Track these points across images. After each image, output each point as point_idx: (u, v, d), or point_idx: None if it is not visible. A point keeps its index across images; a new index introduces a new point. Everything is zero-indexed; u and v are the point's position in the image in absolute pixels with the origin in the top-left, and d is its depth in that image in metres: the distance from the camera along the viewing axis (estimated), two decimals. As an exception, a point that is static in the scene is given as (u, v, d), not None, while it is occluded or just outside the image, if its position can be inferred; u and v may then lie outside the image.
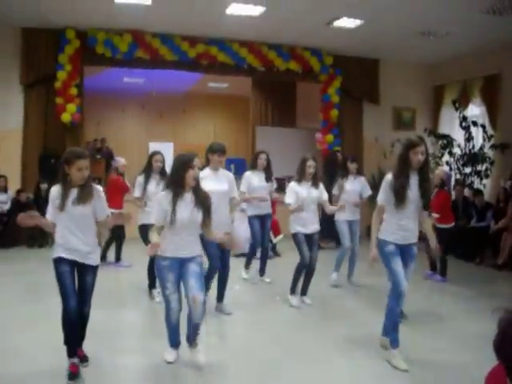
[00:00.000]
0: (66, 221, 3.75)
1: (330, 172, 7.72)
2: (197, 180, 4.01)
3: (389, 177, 4.25)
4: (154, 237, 3.91)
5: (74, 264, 3.83)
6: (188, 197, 3.98)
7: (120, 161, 7.96)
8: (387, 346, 4.47)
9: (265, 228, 6.82)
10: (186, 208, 3.94)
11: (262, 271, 7.08)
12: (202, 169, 5.44)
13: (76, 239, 3.77)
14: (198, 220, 4.00)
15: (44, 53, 9.66)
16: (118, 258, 7.88)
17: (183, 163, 3.96)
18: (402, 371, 4.10)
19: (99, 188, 3.91)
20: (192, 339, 4.18)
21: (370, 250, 4.31)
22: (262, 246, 6.87)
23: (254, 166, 6.69)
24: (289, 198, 5.79)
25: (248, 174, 6.65)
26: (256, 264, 7.15)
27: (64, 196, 3.71)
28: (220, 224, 4.80)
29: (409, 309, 5.35)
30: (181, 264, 4.02)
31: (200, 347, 4.19)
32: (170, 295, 4.03)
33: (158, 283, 5.55)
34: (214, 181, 5.25)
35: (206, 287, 5.39)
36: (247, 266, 7.17)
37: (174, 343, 4.25)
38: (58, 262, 3.80)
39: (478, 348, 4.39)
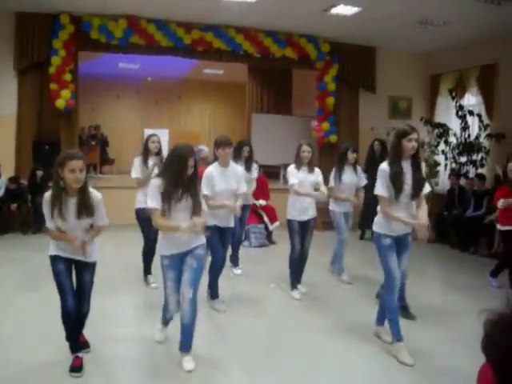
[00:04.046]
0: (65, 227, 3.60)
1: (369, 162, 7.53)
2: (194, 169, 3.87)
3: (384, 167, 4.18)
4: (170, 223, 3.82)
5: (70, 261, 3.76)
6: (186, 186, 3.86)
7: (203, 150, 7.51)
8: (380, 335, 4.54)
9: (242, 218, 6.64)
10: (185, 197, 3.85)
11: (235, 261, 6.99)
12: (209, 163, 5.41)
13: (76, 240, 3.61)
14: (191, 210, 3.86)
15: (38, 38, 9.54)
16: None
17: (186, 155, 3.78)
18: (409, 366, 4.07)
19: (98, 196, 3.70)
20: (183, 347, 3.98)
21: (415, 222, 4.14)
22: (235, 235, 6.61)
23: (236, 157, 6.38)
24: (292, 178, 5.73)
25: None
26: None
27: (60, 205, 3.51)
28: (228, 216, 5.26)
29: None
30: (181, 259, 3.95)
31: (190, 356, 3.97)
32: (169, 296, 4.02)
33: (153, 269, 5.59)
34: (223, 180, 5.11)
35: (215, 281, 5.43)
36: (236, 261, 7.00)
37: (167, 322, 4.31)
38: (54, 259, 3.72)
39: (467, 336, 4.45)
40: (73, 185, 3.51)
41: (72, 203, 3.56)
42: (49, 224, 3.63)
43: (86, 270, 3.81)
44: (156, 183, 3.85)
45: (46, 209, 3.59)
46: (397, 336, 4.24)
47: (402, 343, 4.22)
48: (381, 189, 4.17)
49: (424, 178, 4.30)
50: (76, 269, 3.82)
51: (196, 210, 3.88)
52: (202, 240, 4.05)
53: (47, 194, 3.59)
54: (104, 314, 4.78)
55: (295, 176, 5.73)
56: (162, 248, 4.01)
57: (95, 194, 3.71)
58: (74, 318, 3.77)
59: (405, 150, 4.12)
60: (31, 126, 9.80)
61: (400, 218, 4.17)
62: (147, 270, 6.13)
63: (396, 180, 4.09)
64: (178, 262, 3.95)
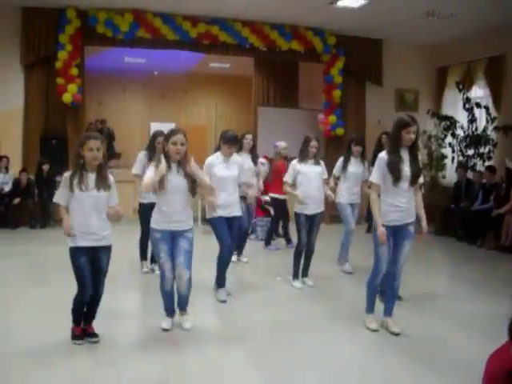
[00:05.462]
0: (82, 204, 3.92)
1: (377, 155, 7.54)
2: (183, 155, 4.22)
3: (383, 155, 4.38)
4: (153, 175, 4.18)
5: (90, 250, 4.00)
6: (174, 167, 4.26)
7: (281, 144, 7.80)
8: (388, 326, 4.61)
9: (247, 210, 6.75)
10: (174, 177, 4.24)
11: (239, 251, 7.13)
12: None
13: (92, 221, 3.95)
14: (186, 187, 4.26)
15: (44, 32, 9.57)
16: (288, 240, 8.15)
17: (166, 137, 4.29)
18: (372, 331, 4.51)
19: (111, 177, 4.13)
20: (181, 307, 4.55)
21: (378, 229, 4.33)
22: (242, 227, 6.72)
23: (239, 148, 6.52)
24: (287, 175, 5.91)
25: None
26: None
27: (80, 178, 3.90)
28: (233, 205, 5.37)
29: (411, 289, 5.40)
30: (172, 236, 4.35)
31: (188, 315, 4.54)
32: (163, 264, 4.36)
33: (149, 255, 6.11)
34: (225, 167, 5.38)
35: (223, 272, 5.47)
36: (241, 251, 7.17)
37: (169, 311, 4.55)
38: (75, 252, 3.96)
39: (473, 328, 4.64)
40: (91, 162, 3.95)
41: (92, 177, 3.96)
42: (58, 199, 3.99)
43: (103, 253, 4.09)
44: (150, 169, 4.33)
45: (63, 184, 3.94)
46: (369, 308, 4.64)
47: (372, 315, 4.63)
48: (375, 176, 4.41)
49: (420, 166, 4.49)
50: (94, 255, 4.05)
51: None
52: (192, 224, 4.45)
53: (67, 173, 3.98)
54: (111, 304, 4.80)
55: (293, 173, 5.84)
56: (154, 221, 4.38)
57: (108, 174, 4.15)
58: (86, 304, 4.11)
59: (403, 141, 4.29)
60: (38, 120, 9.83)
61: (375, 212, 4.38)
62: (143, 256, 6.36)
63: (393, 168, 4.26)
64: (169, 238, 4.34)
